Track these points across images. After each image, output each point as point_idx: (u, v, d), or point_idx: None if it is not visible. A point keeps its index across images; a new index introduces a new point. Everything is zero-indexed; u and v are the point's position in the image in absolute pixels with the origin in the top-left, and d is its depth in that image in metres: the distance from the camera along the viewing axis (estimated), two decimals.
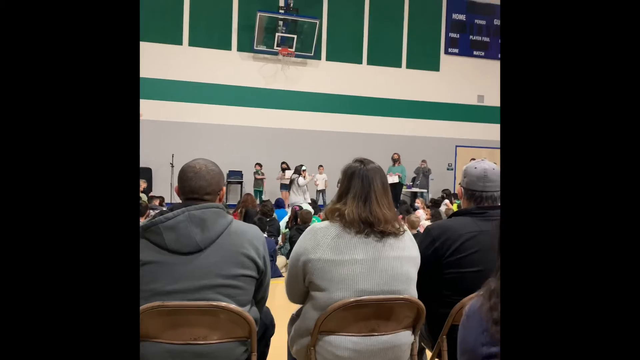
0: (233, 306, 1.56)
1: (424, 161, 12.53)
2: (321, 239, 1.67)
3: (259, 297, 1.78)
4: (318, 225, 1.75)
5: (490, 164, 1.97)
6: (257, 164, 12.03)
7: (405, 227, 1.78)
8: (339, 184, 1.85)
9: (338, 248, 1.65)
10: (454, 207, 9.03)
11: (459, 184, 2.05)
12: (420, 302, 1.72)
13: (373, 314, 1.68)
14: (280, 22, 12.56)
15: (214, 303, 1.54)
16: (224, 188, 1.75)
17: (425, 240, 1.91)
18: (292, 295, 1.81)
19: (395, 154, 11.95)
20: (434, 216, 7.28)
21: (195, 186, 1.65)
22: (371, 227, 1.68)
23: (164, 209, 1.64)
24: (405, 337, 1.76)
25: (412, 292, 1.72)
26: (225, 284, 1.58)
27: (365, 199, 1.71)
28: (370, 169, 1.76)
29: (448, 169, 14.26)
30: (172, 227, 1.56)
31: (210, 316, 1.57)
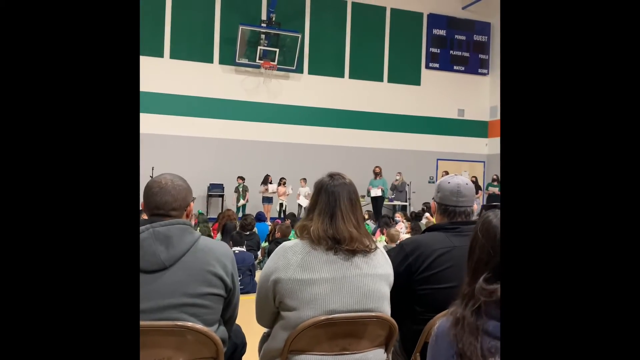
0: (199, 326, 1.51)
1: (399, 173, 12.52)
2: (291, 258, 1.63)
3: (227, 316, 1.73)
4: (288, 243, 1.71)
5: (463, 178, 1.96)
6: (239, 177, 11.95)
7: (378, 244, 1.76)
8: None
9: (309, 266, 1.62)
10: (434, 220, 9.07)
11: (432, 198, 2.03)
12: (392, 320, 1.69)
13: (344, 332, 1.65)
14: (263, 36, 12.60)
15: (180, 323, 1.49)
16: (192, 204, 1.71)
17: (398, 256, 1.88)
18: (262, 317, 1.76)
19: (376, 167, 12.00)
20: (414, 229, 7.30)
21: (160, 202, 1.60)
22: (338, 243, 1.64)
23: None
24: (378, 356, 1.72)
25: (385, 310, 1.69)
26: (191, 302, 1.53)
27: (332, 215, 1.67)
28: (338, 185, 1.72)
29: (429, 182, 14.35)
30: None
31: (175, 337, 1.52)
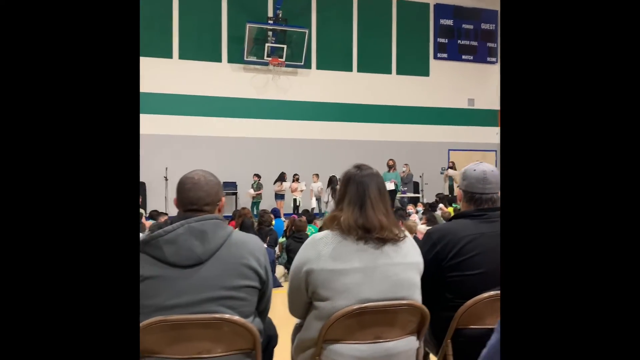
0: (236, 318, 1.54)
1: (405, 165, 12.39)
2: (322, 249, 1.65)
3: (262, 308, 1.76)
4: (318, 235, 1.73)
5: (489, 165, 1.97)
6: (255, 174, 12.00)
7: (406, 232, 1.77)
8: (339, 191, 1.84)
9: (340, 256, 1.64)
10: (450, 210, 9.05)
11: (458, 186, 2.04)
12: (424, 307, 1.71)
13: (377, 320, 1.67)
14: (270, 33, 12.62)
15: (217, 315, 1.52)
16: (223, 199, 1.74)
17: (426, 244, 1.90)
18: (294, 308, 1.78)
19: (390, 160, 11.94)
20: (430, 220, 7.28)
21: (194, 197, 1.63)
22: (368, 232, 1.67)
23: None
24: (410, 343, 1.74)
25: (416, 298, 1.71)
26: (227, 295, 1.56)
27: (361, 205, 1.69)
28: (366, 175, 1.75)
29: (441, 173, 14.31)
30: (172, 240, 1.54)
31: (213, 329, 1.55)
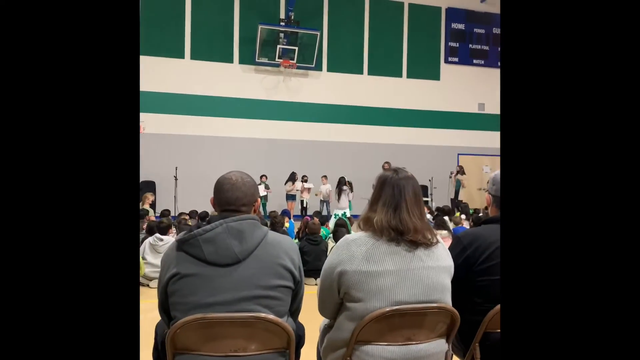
0: (272, 317, 1.56)
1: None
2: (355, 250, 1.67)
3: (294, 308, 1.78)
4: (351, 236, 1.75)
5: None
6: (262, 175, 12.04)
7: (438, 237, 1.79)
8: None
9: (373, 259, 1.65)
10: (457, 215, 9.04)
11: (487, 191, 2.06)
12: (455, 310, 1.72)
13: (408, 323, 1.68)
14: (281, 35, 12.66)
15: (254, 314, 1.55)
16: (259, 199, 1.76)
17: (455, 249, 1.92)
18: (325, 308, 1.80)
19: (385, 163, 11.75)
20: (439, 225, 7.25)
21: (231, 198, 1.66)
22: (401, 235, 1.68)
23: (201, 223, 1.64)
24: (440, 346, 1.76)
25: (447, 301, 1.72)
26: (263, 294, 1.58)
27: (396, 207, 1.70)
28: (402, 178, 1.76)
29: (450, 177, 14.29)
30: (210, 239, 1.57)
31: (249, 327, 1.57)
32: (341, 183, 10.66)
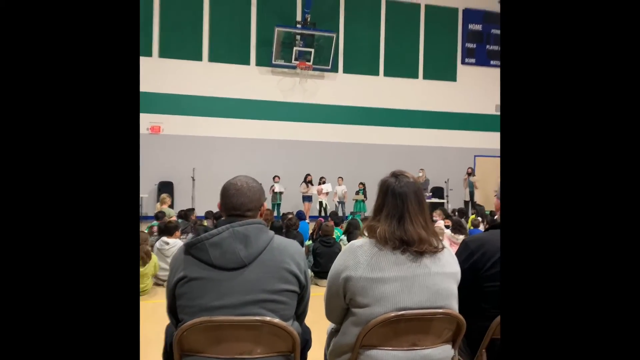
0: (277, 320, 1.58)
1: (421, 170, 12.22)
2: (361, 257, 1.67)
3: (300, 312, 1.79)
4: (357, 242, 1.75)
5: None
6: (275, 176, 12.10)
7: (445, 242, 1.78)
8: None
9: (378, 266, 1.65)
10: (472, 217, 8.96)
11: (495, 196, 2.05)
12: (461, 316, 1.72)
13: (413, 328, 1.68)
14: (298, 37, 12.71)
15: (260, 318, 1.57)
16: (265, 204, 1.79)
17: (463, 253, 1.91)
18: (332, 313, 1.80)
19: (420, 170, 11.70)
20: (456, 227, 7.19)
21: (237, 203, 1.68)
22: (407, 245, 1.67)
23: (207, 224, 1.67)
24: (446, 351, 1.75)
25: (454, 307, 1.71)
26: (269, 298, 1.60)
27: (400, 218, 1.69)
28: (403, 185, 1.74)
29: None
30: (217, 243, 1.59)
31: (254, 331, 1.59)
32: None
